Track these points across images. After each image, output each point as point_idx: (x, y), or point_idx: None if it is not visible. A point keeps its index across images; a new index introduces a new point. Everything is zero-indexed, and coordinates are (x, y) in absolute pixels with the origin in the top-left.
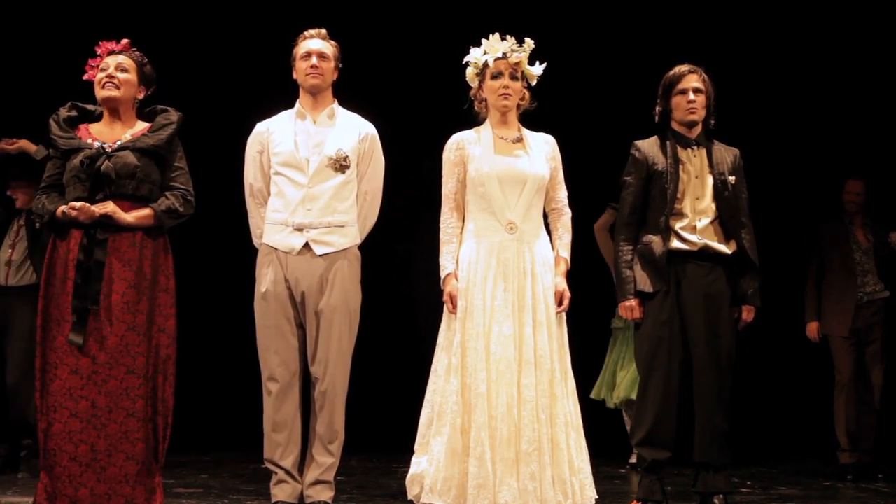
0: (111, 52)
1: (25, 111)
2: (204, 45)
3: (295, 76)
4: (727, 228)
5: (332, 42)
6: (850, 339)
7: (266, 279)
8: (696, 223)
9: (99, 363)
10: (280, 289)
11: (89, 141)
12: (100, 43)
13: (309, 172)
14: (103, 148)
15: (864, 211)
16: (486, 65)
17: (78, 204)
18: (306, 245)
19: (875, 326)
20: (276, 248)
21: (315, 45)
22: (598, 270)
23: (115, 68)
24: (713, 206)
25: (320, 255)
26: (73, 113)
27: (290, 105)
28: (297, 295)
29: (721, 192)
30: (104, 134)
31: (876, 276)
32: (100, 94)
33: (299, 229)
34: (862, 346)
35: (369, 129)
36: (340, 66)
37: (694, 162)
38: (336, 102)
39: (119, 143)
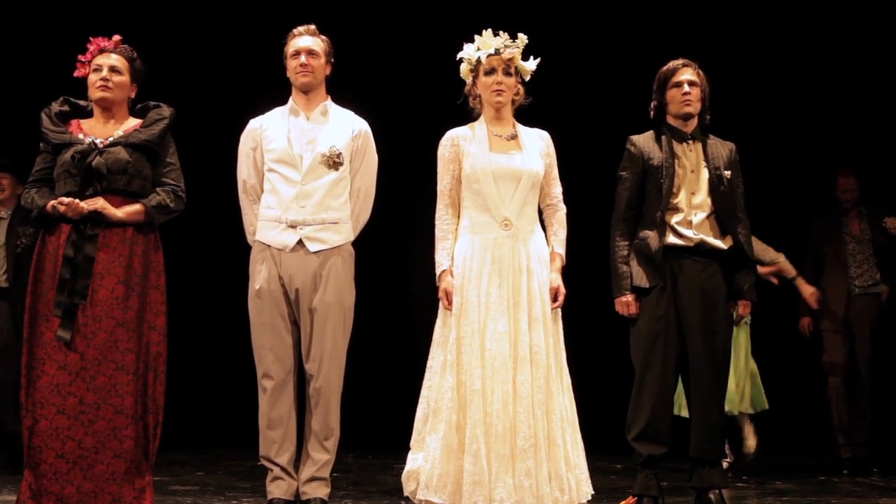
0: (102, 50)
1: (18, 106)
2: (197, 42)
3: (287, 74)
4: (723, 223)
5: (323, 37)
6: (841, 331)
7: (260, 276)
8: (692, 218)
9: (87, 359)
10: (274, 286)
11: (81, 136)
12: (91, 39)
13: (302, 169)
14: (95, 143)
15: (859, 201)
16: (479, 61)
17: (66, 199)
18: (300, 242)
19: (866, 320)
20: (269, 245)
21: (304, 43)
22: (593, 266)
23: (108, 70)
24: (709, 200)
25: (314, 252)
26: (65, 108)
27: (284, 101)
28: (291, 292)
29: (716, 187)
30: (96, 130)
31: (872, 268)
32: (94, 94)
33: (293, 226)
34: (853, 339)
35: (362, 125)
36: (333, 60)
37: (689, 156)
38: (329, 99)
39: (111, 139)
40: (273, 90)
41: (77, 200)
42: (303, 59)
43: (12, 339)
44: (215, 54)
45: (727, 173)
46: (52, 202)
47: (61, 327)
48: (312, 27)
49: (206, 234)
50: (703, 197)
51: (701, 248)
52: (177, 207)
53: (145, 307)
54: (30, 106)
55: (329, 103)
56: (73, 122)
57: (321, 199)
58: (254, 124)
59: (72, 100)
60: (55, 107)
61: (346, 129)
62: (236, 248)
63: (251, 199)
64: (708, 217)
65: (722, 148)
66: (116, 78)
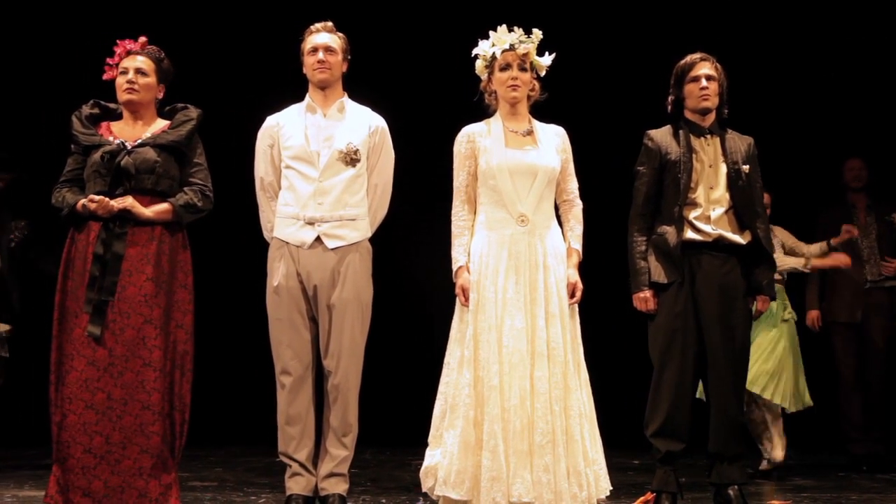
0: (129, 52)
1: (49, 108)
2: (214, 40)
3: (304, 71)
4: (741, 218)
5: (340, 34)
6: (855, 324)
7: (278, 273)
8: (710, 213)
9: (115, 355)
10: (292, 282)
11: (110, 138)
12: (117, 42)
13: (320, 166)
14: (124, 144)
15: (867, 193)
16: (494, 57)
17: (97, 197)
18: (318, 239)
19: (878, 314)
20: (287, 242)
21: (321, 40)
22: (610, 262)
23: (134, 72)
24: (727, 195)
25: (332, 249)
26: (96, 110)
27: (301, 99)
28: (310, 288)
29: (735, 182)
30: (125, 132)
31: (880, 262)
32: (121, 97)
33: (311, 223)
34: (865, 333)
35: (379, 122)
36: (349, 57)
37: (707, 151)
38: (346, 95)
39: (139, 140)
40: (290, 87)
41: (107, 198)
42: (320, 55)
43: None
44: (232, 52)
45: (745, 168)
46: (83, 200)
47: (91, 323)
48: (329, 24)
49: (224, 231)
50: (721, 192)
51: (719, 244)
52: (204, 206)
53: (172, 305)
54: (61, 109)
55: (346, 100)
56: (103, 124)
57: (339, 195)
58: (271, 121)
59: (102, 102)
60: (86, 109)
61: (362, 125)
62: (254, 245)
63: (269, 196)
64: (726, 212)
65: (740, 142)
66: (142, 80)
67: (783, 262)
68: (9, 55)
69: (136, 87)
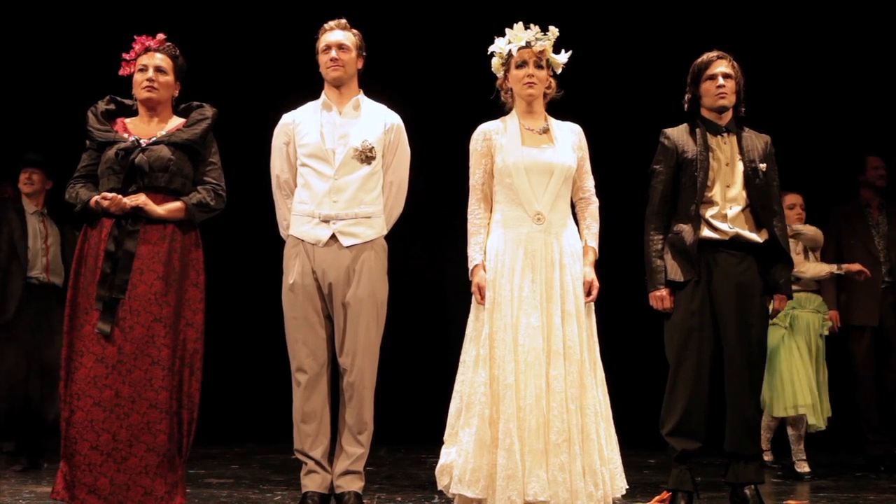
0: (147, 49)
1: (65, 104)
2: (229, 38)
3: (319, 69)
4: (758, 217)
5: (354, 31)
6: (871, 329)
7: (293, 271)
8: (727, 211)
9: (124, 353)
10: (307, 280)
11: (125, 135)
12: (135, 38)
13: (335, 164)
14: (138, 141)
15: (882, 191)
16: (510, 54)
17: (110, 195)
18: (333, 236)
19: (894, 313)
20: (303, 240)
21: (335, 38)
22: (626, 260)
23: (154, 70)
24: (744, 193)
25: (347, 247)
26: (111, 106)
27: (317, 97)
28: (325, 286)
29: (751, 180)
30: (140, 129)
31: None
32: (140, 94)
33: (326, 221)
34: (883, 335)
35: (395, 119)
36: (364, 54)
37: (724, 149)
38: (361, 93)
39: (154, 138)
40: (306, 85)
41: (120, 196)
42: (333, 53)
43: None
44: (247, 49)
45: (762, 166)
46: (96, 197)
47: (101, 320)
48: (343, 21)
49: (239, 229)
50: (738, 190)
51: (736, 242)
52: (217, 206)
53: (183, 304)
54: (76, 104)
55: (361, 97)
56: (119, 120)
57: (354, 193)
58: (286, 119)
59: (118, 99)
60: (101, 105)
61: (378, 122)
62: (269, 243)
63: (284, 194)
64: (743, 210)
65: (757, 140)
66: (162, 78)
67: (819, 268)
68: (9, 55)
69: (155, 84)
